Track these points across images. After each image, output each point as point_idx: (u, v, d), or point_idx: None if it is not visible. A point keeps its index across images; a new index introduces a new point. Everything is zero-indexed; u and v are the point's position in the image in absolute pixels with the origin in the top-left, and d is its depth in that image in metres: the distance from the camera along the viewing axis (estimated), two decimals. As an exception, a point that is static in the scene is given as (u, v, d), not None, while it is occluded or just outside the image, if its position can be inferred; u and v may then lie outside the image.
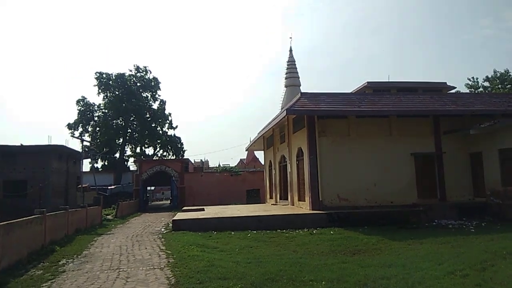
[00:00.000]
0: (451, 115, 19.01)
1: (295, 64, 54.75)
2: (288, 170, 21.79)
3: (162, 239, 13.26)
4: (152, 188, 66.24)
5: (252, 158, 60.53)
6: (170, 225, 17.32)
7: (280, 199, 24.35)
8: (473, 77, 46.87)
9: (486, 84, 46.11)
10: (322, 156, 17.84)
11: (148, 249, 11.30)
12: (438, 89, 22.96)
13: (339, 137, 18.30)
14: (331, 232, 13.99)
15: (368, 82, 22.43)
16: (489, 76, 45.54)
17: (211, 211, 20.07)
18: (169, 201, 53.20)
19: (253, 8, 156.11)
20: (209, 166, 62.29)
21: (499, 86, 44.37)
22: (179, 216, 17.79)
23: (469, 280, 6.43)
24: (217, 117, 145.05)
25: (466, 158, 19.05)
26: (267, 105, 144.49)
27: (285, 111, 17.16)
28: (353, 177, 17.88)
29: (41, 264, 9.36)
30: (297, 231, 14.68)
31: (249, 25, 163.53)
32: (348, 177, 17.86)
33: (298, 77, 54.12)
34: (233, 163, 60.22)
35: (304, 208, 18.65)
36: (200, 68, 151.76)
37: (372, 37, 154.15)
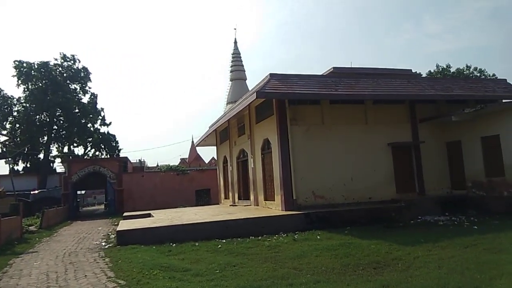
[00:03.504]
0: (427, 101, 17.59)
1: (240, 57, 52.16)
2: (250, 165, 19.10)
3: (107, 259, 9.90)
4: (83, 192, 60.22)
5: (195, 157, 56.85)
6: (113, 237, 13.97)
7: (239, 199, 21.55)
8: (415, 71, 47.62)
9: (428, 79, 47.02)
10: (295, 148, 15.42)
11: (89, 277, 8.00)
12: (404, 76, 21.61)
13: (313, 126, 16.01)
14: (318, 237, 11.70)
15: (334, 68, 20.45)
16: (432, 71, 46.46)
17: (163, 217, 16.78)
18: (103, 206, 48.05)
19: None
20: (148, 166, 57.67)
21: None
22: (124, 225, 14.35)
23: None
24: (152, 114, 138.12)
25: (443, 148, 17.74)
26: (207, 101, 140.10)
27: (255, 94, 14.44)
28: (329, 171, 15.73)
29: None
30: (275, 237, 12.22)
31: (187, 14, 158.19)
32: (324, 171, 15.68)
33: (244, 71, 51.61)
34: (174, 162, 56.18)
35: (273, 208, 16.11)
36: (133, 62, 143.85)
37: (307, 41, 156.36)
